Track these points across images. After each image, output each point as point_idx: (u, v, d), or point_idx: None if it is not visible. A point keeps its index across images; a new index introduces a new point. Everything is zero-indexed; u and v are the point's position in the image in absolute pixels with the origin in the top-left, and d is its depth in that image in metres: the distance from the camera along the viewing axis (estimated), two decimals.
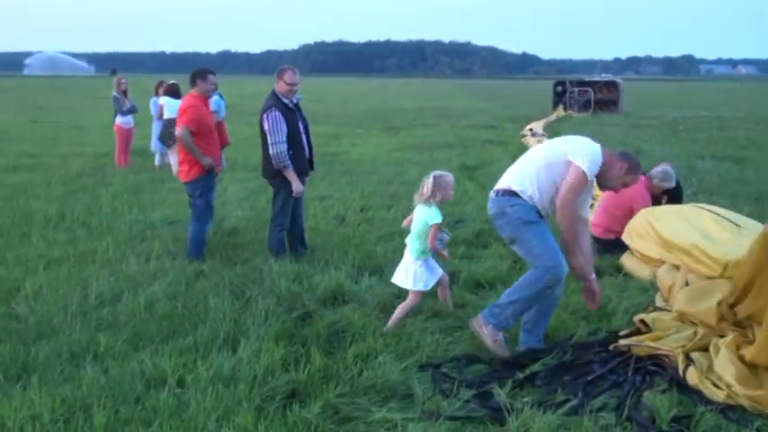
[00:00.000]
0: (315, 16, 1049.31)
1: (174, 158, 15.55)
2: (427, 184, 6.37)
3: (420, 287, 6.36)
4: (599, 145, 5.79)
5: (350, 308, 6.61)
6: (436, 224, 6.34)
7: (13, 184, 13.59)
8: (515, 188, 5.73)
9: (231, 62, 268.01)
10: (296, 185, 8.08)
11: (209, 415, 4.49)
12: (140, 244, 9.04)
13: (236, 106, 33.22)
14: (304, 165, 8.35)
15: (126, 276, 7.56)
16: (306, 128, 8.46)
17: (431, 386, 5.12)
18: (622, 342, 5.78)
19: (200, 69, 8.56)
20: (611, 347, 5.76)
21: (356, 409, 4.80)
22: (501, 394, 4.94)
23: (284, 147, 7.95)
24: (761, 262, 5.05)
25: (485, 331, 5.66)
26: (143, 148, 17.41)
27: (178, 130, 8.29)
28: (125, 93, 16.18)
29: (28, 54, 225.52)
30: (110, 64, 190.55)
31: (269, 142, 7.97)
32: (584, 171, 5.54)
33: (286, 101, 8.17)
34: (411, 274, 6.39)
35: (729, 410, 4.76)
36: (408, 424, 4.50)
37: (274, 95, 8.18)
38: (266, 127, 7.97)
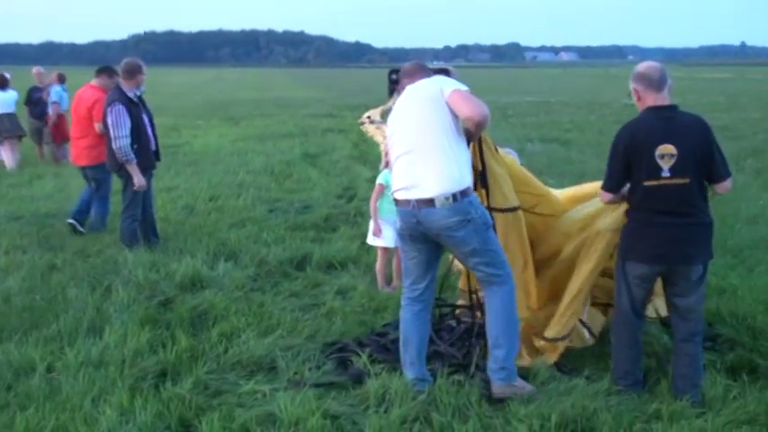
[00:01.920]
0: (144, 5, 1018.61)
1: (5, 153, 15.12)
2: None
3: (387, 244, 7.19)
4: None
5: (209, 292, 6.83)
6: (379, 184, 7.16)
7: None
8: (468, 182, 4.83)
9: (55, 53, 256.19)
10: (137, 179, 8.19)
11: (83, 396, 4.66)
12: None
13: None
14: (149, 158, 8.47)
15: None
16: (150, 120, 8.56)
17: (292, 359, 5.42)
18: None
19: None
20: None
21: (225, 383, 5.08)
22: (361, 362, 5.32)
23: (127, 141, 8.05)
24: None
25: (516, 391, 4.85)
26: None
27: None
28: None
29: None
30: None
31: (112, 136, 8.03)
32: (458, 89, 4.81)
33: (130, 94, 8.24)
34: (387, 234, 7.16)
35: (562, 364, 5.35)
36: (275, 393, 4.81)
37: (118, 89, 8.25)
38: (110, 121, 8.02)
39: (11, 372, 5.10)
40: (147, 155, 8.35)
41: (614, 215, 5.10)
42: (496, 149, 5.48)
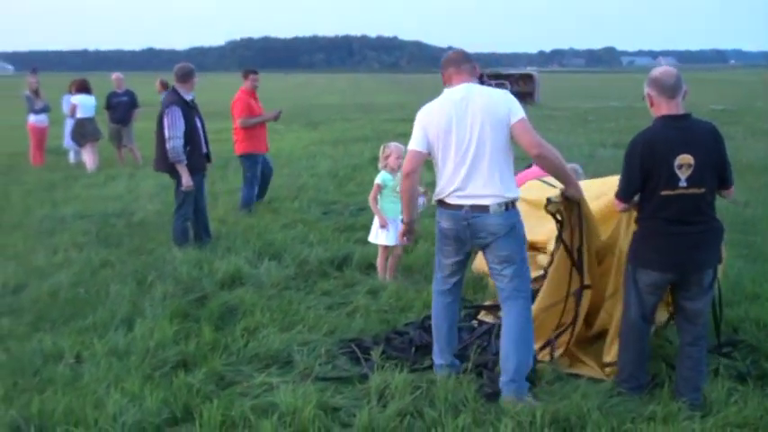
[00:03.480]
0: (241, 12, 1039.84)
1: (88, 156, 15.83)
2: (381, 153, 7.76)
3: (387, 242, 7.59)
4: None
5: (244, 289, 7.09)
6: (377, 184, 7.62)
7: None
8: (516, 195, 5.04)
9: (155, 59, 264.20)
10: (186, 179, 8.51)
11: (100, 383, 4.96)
12: (49, 238, 9.36)
13: (156, 104, 33.18)
14: (201, 160, 8.81)
15: (33, 267, 7.91)
16: (203, 124, 8.90)
17: (307, 354, 5.62)
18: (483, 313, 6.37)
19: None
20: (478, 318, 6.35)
21: (239, 374, 5.32)
22: (369, 359, 5.50)
23: (180, 142, 8.39)
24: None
25: (526, 402, 4.85)
26: (58, 147, 17.55)
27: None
28: (36, 92, 16.33)
29: None
30: (32, 63, 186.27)
31: (166, 137, 8.40)
32: (524, 117, 4.92)
33: (187, 98, 8.60)
34: (384, 231, 7.60)
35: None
36: (281, 385, 5.01)
37: (175, 92, 8.62)
38: (166, 122, 8.39)
39: (41, 359, 5.45)
40: (197, 158, 8.68)
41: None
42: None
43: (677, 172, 4.60)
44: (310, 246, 8.75)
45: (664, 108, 4.74)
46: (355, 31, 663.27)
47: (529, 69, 59.47)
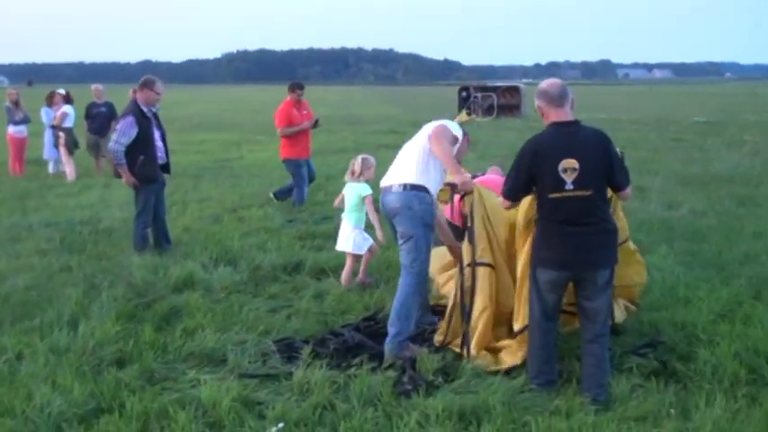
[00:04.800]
0: (237, 25, 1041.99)
1: (68, 166, 16.09)
2: (356, 164, 8.06)
3: (358, 250, 7.96)
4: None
5: (193, 293, 7.35)
6: (370, 195, 7.93)
7: None
8: (422, 182, 5.97)
9: (151, 71, 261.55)
10: (126, 178, 8.83)
11: (34, 378, 5.21)
12: (14, 244, 9.60)
13: None
14: (155, 171, 9.07)
15: None
16: (162, 136, 9.18)
17: (241, 353, 5.87)
18: None
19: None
20: None
21: (173, 371, 5.57)
22: (298, 357, 5.76)
23: (121, 147, 8.69)
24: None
25: (407, 354, 5.81)
26: (39, 157, 17.79)
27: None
28: (16, 103, 16.61)
29: None
30: (27, 75, 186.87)
31: (112, 139, 8.72)
32: (443, 124, 6.13)
33: (145, 109, 8.87)
34: (351, 240, 7.98)
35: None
36: (208, 380, 5.26)
37: (134, 103, 8.89)
38: (117, 127, 8.73)
39: None
40: (152, 167, 8.94)
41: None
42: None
43: (563, 176, 4.88)
44: (267, 252, 9.00)
45: (553, 116, 5.03)
46: (351, 43, 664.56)
47: (523, 81, 59.87)
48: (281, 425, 4.64)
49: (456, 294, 6.01)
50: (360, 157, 8.22)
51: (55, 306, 6.88)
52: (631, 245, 6.54)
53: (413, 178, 5.99)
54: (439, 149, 5.85)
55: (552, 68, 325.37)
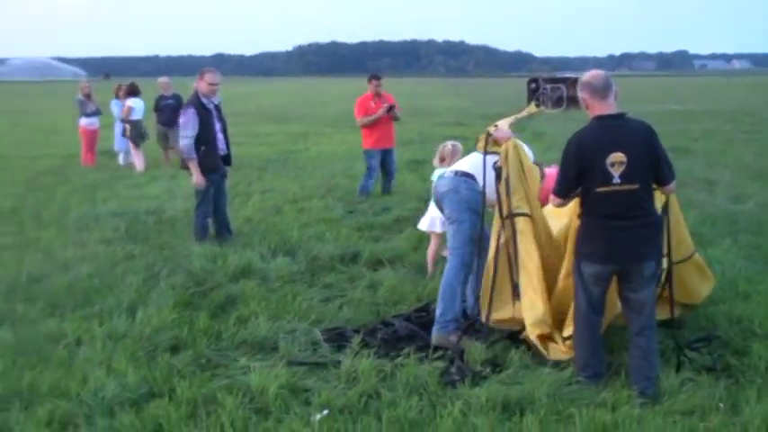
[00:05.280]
0: (308, 18, 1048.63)
1: (137, 157, 16.49)
2: (445, 150, 8.24)
3: (444, 228, 7.60)
4: None
5: (250, 282, 7.47)
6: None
7: None
8: (473, 173, 6.18)
9: (225, 64, 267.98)
10: (196, 177, 8.96)
11: (90, 362, 5.37)
12: (81, 233, 9.89)
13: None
14: (216, 161, 9.21)
15: (59, 260, 8.41)
16: (223, 127, 9.33)
17: (292, 341, 5.96)
18: None
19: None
20: None
21: (225, 358, 5.69)
22: (348, 346, 5.82)
23: (190, 141, 8.84)
24: None
25: (454, 340, 5.88)
26: (110, 149, 18.24)
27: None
28: (89, 96, 17.05)
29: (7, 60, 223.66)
30: (104, 68, 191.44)
31: (179, 136, 8.85)
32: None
33: (205, 101, 9.03)
34: (438, 221, 7.84)
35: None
36: (258, 367, 5.36)
37: (195, 95, 9.05)
38: (180, 123, 8.89)
39: (46, 341, 5.90)
40: (212, 158, 9.09)
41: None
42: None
43: (610, 169, 4.83)
44: (325, 243, 9.09)
45: (597, 109, 4.97)
46: (422, 35, 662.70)
47: (569, 74, 58.45)
48: (325, 412, 4.71)
49: (493, 259, 5.92)
50: (449, 144, 8.40)
51: (115, 293, 7.08)
52: (699, 258, 6.39)
53: (464, 167, 6.32)
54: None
55: (626, 59, 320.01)
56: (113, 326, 6.17)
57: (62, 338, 5.95)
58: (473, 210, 6.08)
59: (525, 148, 6.10)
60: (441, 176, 6.50)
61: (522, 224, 5.80)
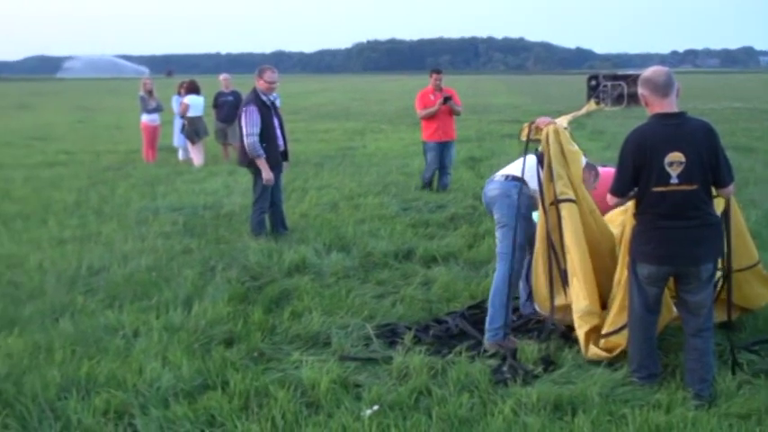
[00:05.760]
0: (368, 15, 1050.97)
1: (195, 153, 16.72)
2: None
3: None
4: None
5: (304, 277, 7.54)
6: None
7: (46, 178, 14.81)
8: (523, 177, 6.05)
9: (285, 62, 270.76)
10: (266, 173, 9.03)
11: (147, 353, 5.48)
12: (141, 227, 10.07)
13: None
14: (277, 157, 9.30)
15: (119, 253, 8.58)
16: (280, 124, 9.41)
17: (345, 336, 6.00)
18: None
19: None
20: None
21: (278, 352, 5.76)
22: (399, 342, 5.84)
23: (256, 138, 8.92)
24: None
25: (507, 344, 5.83)
26: (171, 144, 18.52)
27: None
28: (150, 93, 17.34)
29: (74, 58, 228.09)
30: (167, 65, 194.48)
31: (244, 134, 8.94)
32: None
33: (264, 98, 9.12)
34: None
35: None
36: (310, 361, 5.41)
37: (254, 92, 9.15)
38: (243, 121, 8.95)
39: (104, 332, 6.03)
40: (273, 154, 9.18)
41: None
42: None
43: (668, 169, 4.74)
44: (379, 239, 9.11)
45: (657, 107, 4.88)
46: (481, 32, 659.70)
47: (630, 71, 57.79)
48: (376, 407, 4.72)
49: (539, 248, 5.92)
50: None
51: (172, 286, 7.20)
52: (761, 269, 6.21)
53: (515, 171, 6.13)
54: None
55: (690, 56, 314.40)
56: (170, 318, 6.29)
57: (120, 330, 6.07)
58: (524, 215, 5.99)
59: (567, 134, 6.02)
60: (490, 180, 6.31)
61: (566, 210, 5.75)
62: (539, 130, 5.94)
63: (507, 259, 6.00)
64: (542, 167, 5.86)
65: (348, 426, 4.51)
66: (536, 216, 6.11)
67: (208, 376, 5.17)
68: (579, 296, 5.61)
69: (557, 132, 5.84)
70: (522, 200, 5.94)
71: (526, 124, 6.16)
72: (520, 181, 6.01)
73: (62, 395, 4.89)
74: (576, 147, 6.03)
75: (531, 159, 6.01)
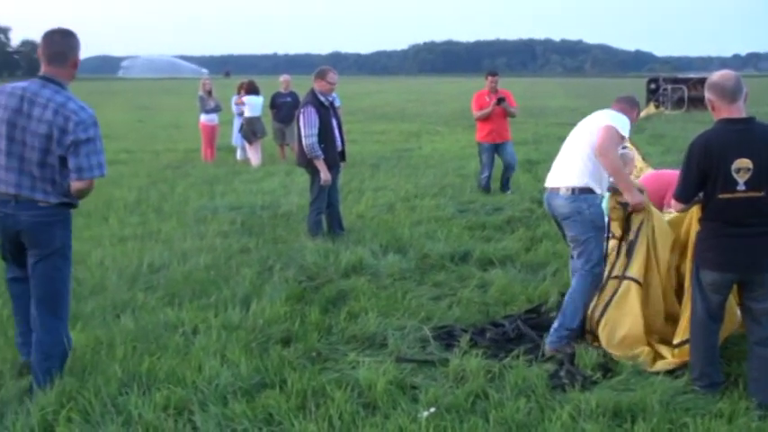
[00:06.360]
0: (424, 16, 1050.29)
1: (253, 153, 16.90)
2: None
3: None
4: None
5: (361, 278, 7.56)
6: None
7: (107, 176, 14.91)
8: (591, 184, 5.84)
9: (341, 63, 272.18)
10: (324, 174, 9.07)
11: (206, 351, 5.54)
12: (200, 225, 10.19)
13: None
14: (335, 157, 9.36)
15: (178, 251, 8.69)
16: (339, 124, 9.46)
17: (401, 338, 6.00)
18: None
19: None
20: None
21: (334, 352, 5.78)
22: (456, 345, 5.83)
23: (315, 139, 8.97)
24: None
25: (567, 350, 5.73)
26: (230, 144, 18.74)
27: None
28: (209, 93, 17.55)
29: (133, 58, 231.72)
30: (225, 66, 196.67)
31: (302, 135, 9.00)
32: (609, 126, 5.75)
33: (322, 98, 9.17)
34: None
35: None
36: (367, 362, 5.42)
37: (312, 93, 9.20)
38: (301, 122, 9.01)
39: (164, 329, 6.11)
40: (331, 154, 9.23)
41: None
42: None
43: (735, 176, 4.65)
44: (436, 241, 9.10)
45: (724, 112, 4.78)
46: (539, 34, 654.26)
47: (698, 74, 56.62)
48: (432, 409, 4.71)
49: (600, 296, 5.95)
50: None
51: (230, 285, 7.27)
52: None
53: (581, 180, 5.85)
54: (608, 163, 5.68)
55: (752, 59, 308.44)
56: (228, 317, 6.35)
57: (179, 327, 6.14)
58: (598, 227, 5.91)
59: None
60: (555, 195, 5.97)
61: (625, 288, 5.82)
62: (636, 212, 5.84)
63: (586, 275, 5.89)
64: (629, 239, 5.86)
65: (405, 427, 4.50)
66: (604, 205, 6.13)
67: (265, 375, 5.21)
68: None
69: (651, 213, 5.81)
70: (594, 212, 5.87)
71: (618, 205, 5.96)
72: (589, 192, 5.85)
73: (123, 390, 4.96)
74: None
75: (591, 162, 5.85)
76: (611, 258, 5.99)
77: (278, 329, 6.10)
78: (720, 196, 4.75)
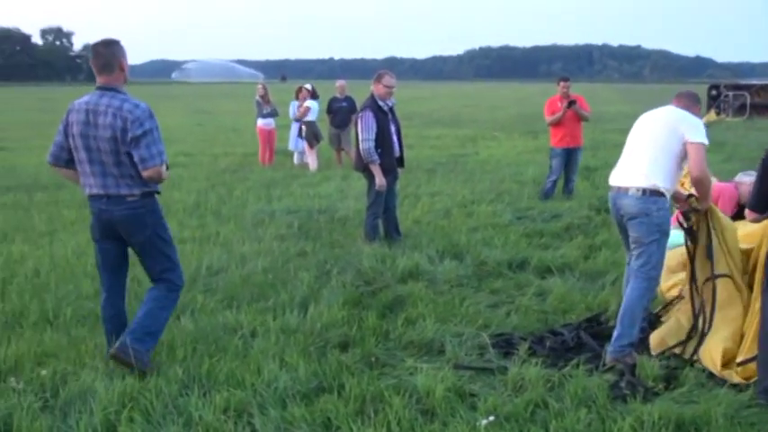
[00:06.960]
0: (480, 21, 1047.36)
1: (311, 157, 17.00)
2: None
3: None
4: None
5: (418, 284, 7.54)
6: None
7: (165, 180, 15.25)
8: (661, 187, 5.70)
9: (397, 67, 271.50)
10: (379, 179, 9.07)
11: (264, 354, 5.57)
12: (258, 229, 10.28)
13: None
14: (392, 162, 9.36)
15: (237, 254, 8.77)
16: (397, 129, 9.45)
17: (459, 345, 5.97)
18: None
19: None
20: None
21: (392, 358, 5.77)
22: (515, 353, 5.78)
23: (372, 144, 8.97)
24: None
25: (628, 360, 5.63)
26: (286, 148, 18.86)
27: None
28: (264, 97, 17.72)
29: (191, 62, 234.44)
30: (281, 71, 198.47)
31: (359, 139, 9.02)
32: (700, 145, 5.65)
33: (381, 103, 9.18)
34: None
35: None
36: (425, 368, 5.40)
37: (371, 98, 9.22)
38: (359, 126, 9.03)
39: (222, 331, 6.16)
40: (389, 160, 9.23)
41: None
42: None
43: None
44: (493, 248, 9.04)
45: None
46: (596, 39, 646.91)
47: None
48: (491, 418, 4.68)
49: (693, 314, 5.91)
50: None
51: (288, 288, 7.31)
52: None
53: (651, 182, 5.70)
54: (704, 192, 5.74)
55: None
56: (286, 320, 6.39)
57: (238, 329, 6.19)
58: (663, 231, 5.79)
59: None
60: (624, 195, 5.82)
61: (722, 286, 5.75)
62: (696, 213, 5.88)
63: (645, 278, 5.81)
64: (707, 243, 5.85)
65: None
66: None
67: (324, 379, 5.23)
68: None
69: (714, 211, 5.85)
70: (661, 216, 5.74)
71: (693, 211, 5.95)
72: (659, 195, 5.72)
73: (184, 391, 5.02)
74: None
75: (668, 164, 5.76)
76: (689, 270, 6.00)
77: (335, 334, 6.12)
78: None
